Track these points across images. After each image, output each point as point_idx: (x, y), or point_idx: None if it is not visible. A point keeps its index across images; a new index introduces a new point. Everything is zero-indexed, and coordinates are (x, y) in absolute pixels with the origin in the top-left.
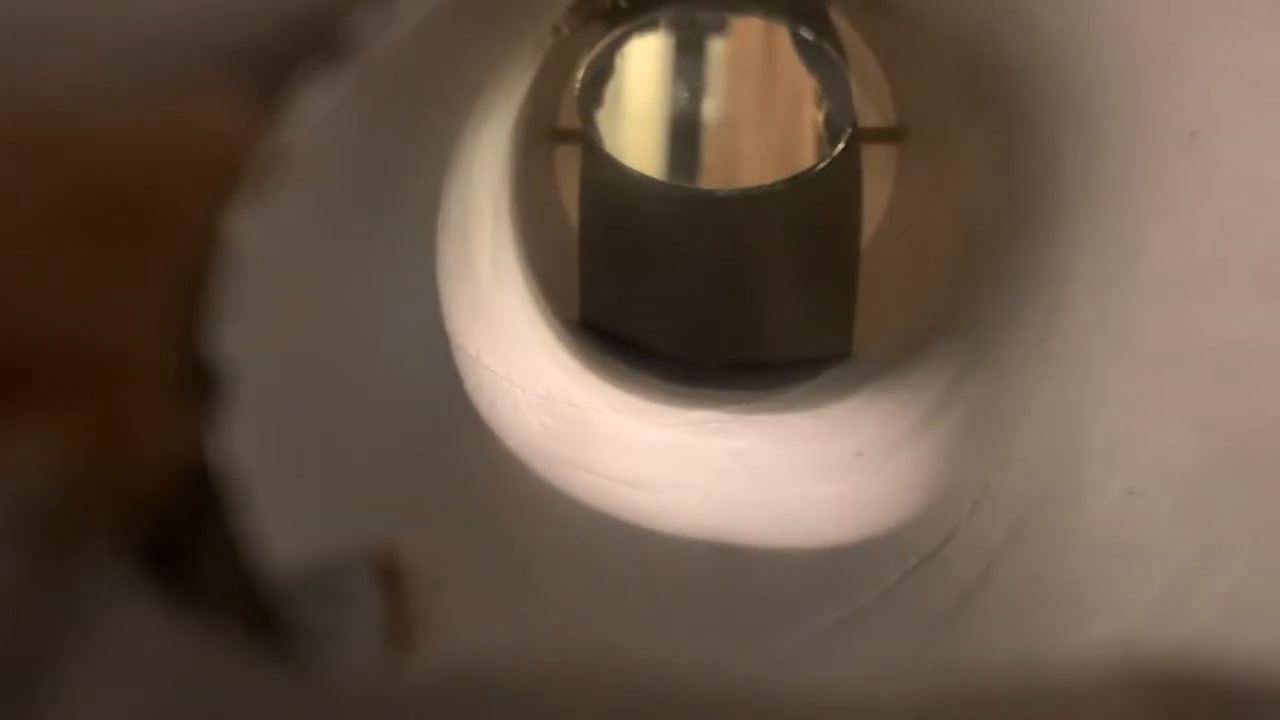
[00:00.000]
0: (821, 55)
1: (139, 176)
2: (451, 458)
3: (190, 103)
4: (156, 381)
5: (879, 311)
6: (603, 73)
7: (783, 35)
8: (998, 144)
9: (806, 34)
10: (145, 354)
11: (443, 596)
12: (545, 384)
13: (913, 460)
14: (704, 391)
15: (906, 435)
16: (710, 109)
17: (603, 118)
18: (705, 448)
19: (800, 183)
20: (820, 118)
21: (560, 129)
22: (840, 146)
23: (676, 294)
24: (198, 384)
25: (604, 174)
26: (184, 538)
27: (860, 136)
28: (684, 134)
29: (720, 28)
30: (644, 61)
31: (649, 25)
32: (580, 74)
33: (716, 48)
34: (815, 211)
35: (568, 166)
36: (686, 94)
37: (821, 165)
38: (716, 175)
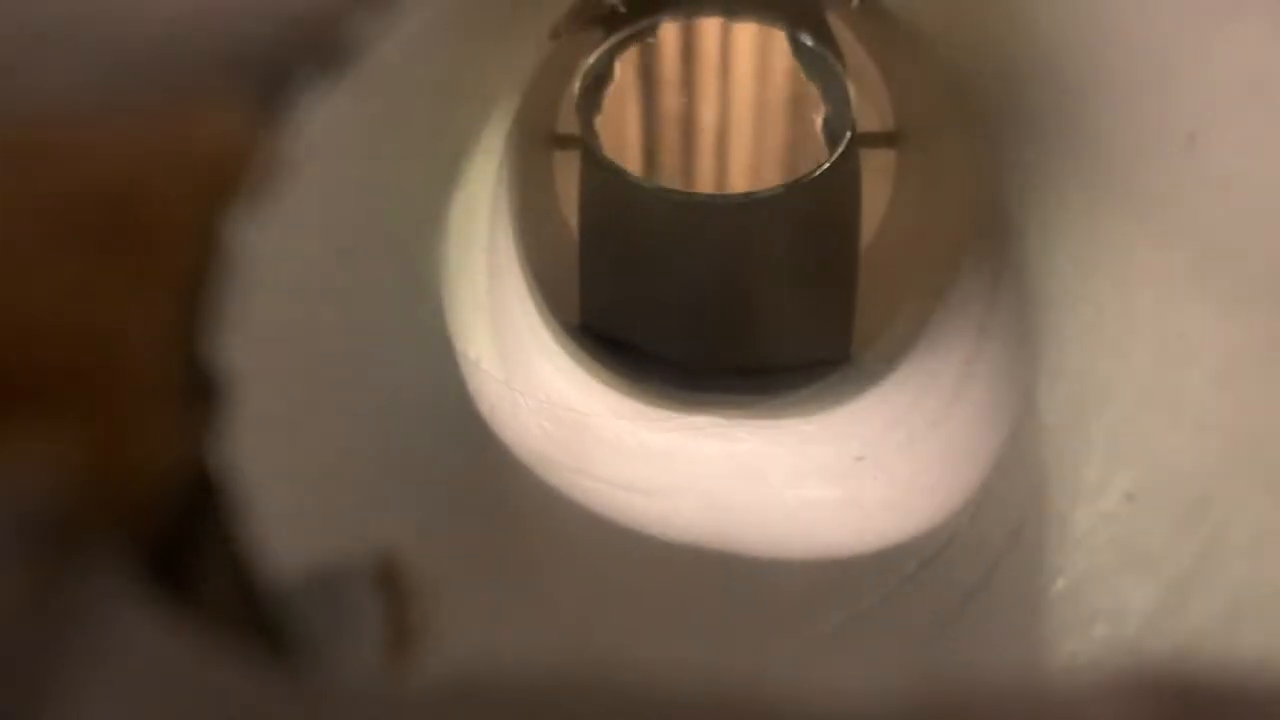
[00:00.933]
0: (820, 60)
1: (138, 184)
2: (452, 463)
3: (191, 109)
4: (157, 389)
5: (878, 315)
6: (601, 78)
7: (781, 40)
8: (996, 147)
9: (805, 39)
10: (145, 362)
11: (444, 603)
12: (545, 389)
13: (913, 464)
14: (704, 396)
15: (907, 439)
16: (708, 114)
17: (601, 123)
18: (705, 452)
19: (799, 187)
20: (819, 122)
21: (559, 134)
22: (839, 151)
23: (676, 298)
24: (198, 392)
25: (603, 179)
26: (185, 546)
27: (859, 141)
28: (682, 139)
29: (719, 33)
30: (642, 66)
31: (648, 30)
32: (579, 79)
33: (715, 53)
34: (814, 216)
35: (567, 171)
36: (684, 99)
37: (820, 170)
38: (715, 180)
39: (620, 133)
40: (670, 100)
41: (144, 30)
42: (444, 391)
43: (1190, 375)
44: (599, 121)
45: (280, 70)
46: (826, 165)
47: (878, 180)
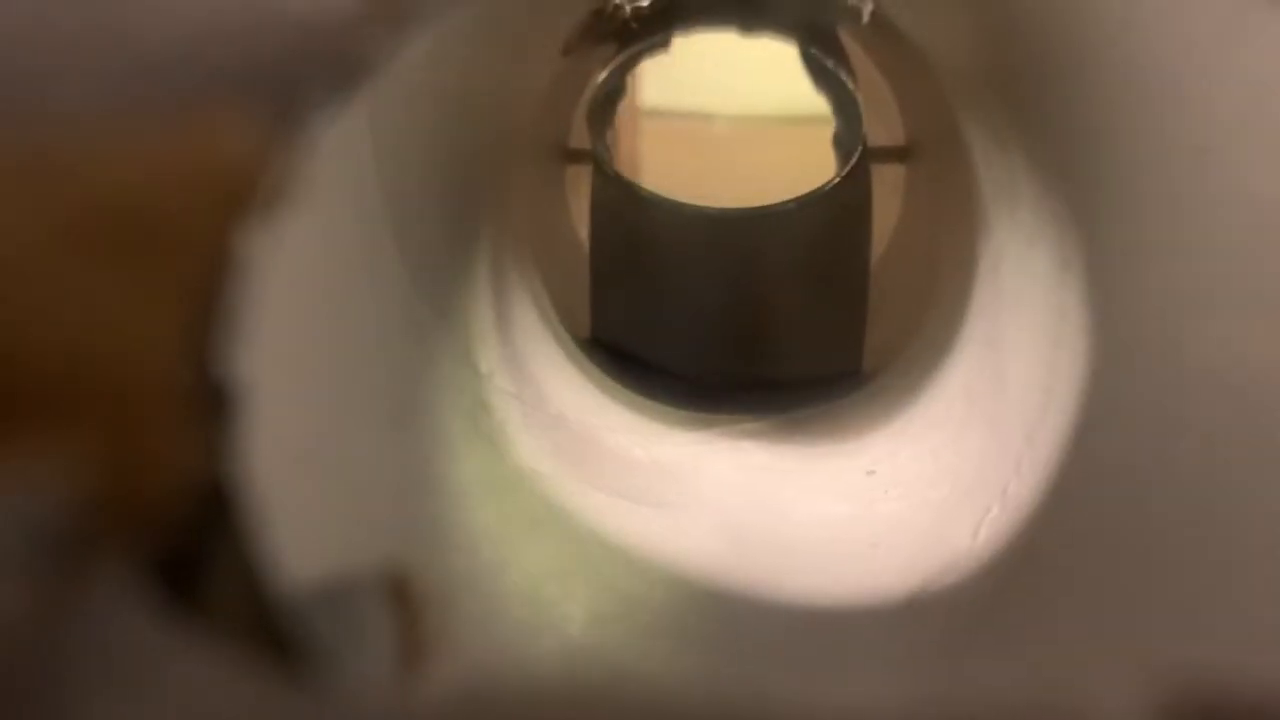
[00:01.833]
0: (831, 75)
1: (152, 197)
2: (463, 476)
3: (204, 123)
4: (170, 401)
5: (889, 329)
6: (613, 93)
7: (793, 55)
8: (1005, 162)
9: (816, 54)
10: (158, 374)
11: (455, 616)
12: (556, 402)
13: (923, 478)
14: (714, 409)
15: (917, 453)
16: (719, 128)
17: (613, 137)
18: (715, 466)
19: (810, 201)
20: (830, 137)
21: (571, 149)
22: (850, 166)
23: (687, 312)
24: (211, 403)
25: (614, 193)
26: (196, 558)
27: (869, 155)
28: (694, 153)
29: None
30: (654, 81)
31: (659, 46)
32: (591, 94)
33: (726, 67)
34: (825, 230)
35: (579, 185)
36: (696, 114)
37: (831, 184)
38: (726, 194)
39: (632, 147)
40: (682, 115)
41: (158, 44)
42: (456, 405)
43: (1195, 390)
44: (610, 136)
45: (294, 85)
46: (837, 180)
47: (888, 194)
